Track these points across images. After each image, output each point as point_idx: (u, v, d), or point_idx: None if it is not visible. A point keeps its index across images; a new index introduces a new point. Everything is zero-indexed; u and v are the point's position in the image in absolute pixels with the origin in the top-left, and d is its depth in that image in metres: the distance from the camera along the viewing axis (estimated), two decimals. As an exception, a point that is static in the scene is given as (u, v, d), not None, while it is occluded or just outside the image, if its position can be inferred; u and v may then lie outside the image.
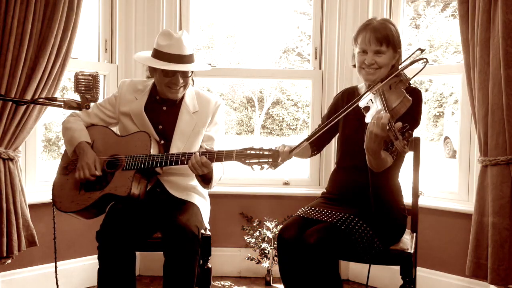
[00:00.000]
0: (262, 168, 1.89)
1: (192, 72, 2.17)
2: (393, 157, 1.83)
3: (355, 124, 1.99)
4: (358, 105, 1.85)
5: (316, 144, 2.18)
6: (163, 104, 2.22)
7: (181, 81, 2.10)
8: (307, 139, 1.92)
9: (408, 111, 1.72)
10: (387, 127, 1.57)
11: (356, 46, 1.99)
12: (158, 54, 2.10)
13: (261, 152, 1.89)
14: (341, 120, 2.10)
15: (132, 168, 2.02)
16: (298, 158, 2.15)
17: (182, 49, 2.08)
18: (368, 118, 1.75)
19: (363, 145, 1.84)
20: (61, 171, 2.19)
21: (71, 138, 2.14)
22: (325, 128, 1.88)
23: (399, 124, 1.57)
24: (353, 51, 2.04)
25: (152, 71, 2.17)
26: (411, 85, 1.92)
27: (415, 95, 1.85)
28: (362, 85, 2.15)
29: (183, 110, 2.20)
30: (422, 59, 1.79)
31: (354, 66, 2.05)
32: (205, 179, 2.07)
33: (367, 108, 1.79)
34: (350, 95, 2.15)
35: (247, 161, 1.89)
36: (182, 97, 2.23)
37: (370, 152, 1.71)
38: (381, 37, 1.91)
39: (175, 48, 2.08)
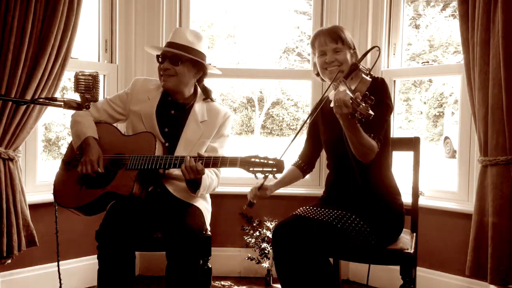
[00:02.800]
0: (265, 177, 1.91)
1: (181, 62, 2.15)
2: (378, 143, 1.90)
3: (334, 125, 2.00)
4: (331, 106, 1.89)
5: (306, 162, 2.31)
6: (172, 107, 2.23)
7: (168, 67, 2.14)
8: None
9: (377, 95, 1.79)
10: (349, 100, 1.66)
11: (315, 52, 2.13)
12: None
13: (265, 161, 1.89)
14: (321, 126, 2.20)
15: (135, 168, 2.02)
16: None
17: (179, 38, 2.18)
18: (332, 103, 1.83)
19: (343, 142, 1.91)
20: (64, 166, 2.19)
21: (79, 132, 2.15)
22: (289, 145, 1.97)
23: (358, 94, 1.67)
24: (313, 60, 2.18)
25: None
26: (372, 75, 1.97)
27: (379, 81, 2.00)
28: (332, 93, 2.19)
29: (191, 118, 2.21)
30: (374, 47, 1.98)
31: (317, 74, 2.18)
32: (193, 184, 2.07)
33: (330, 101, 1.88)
34: (323, 105, 2.20)
35: (251, 169, 1.90)
36: (192, 105, 2.24)
37: (347, 128, 1.78)
38: (335, 36, 2.06)
39: (174, 37, 2.19)
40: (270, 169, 1.88)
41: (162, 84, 2.18)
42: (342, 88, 1.77)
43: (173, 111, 2.22)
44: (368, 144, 1.85)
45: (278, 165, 1.88)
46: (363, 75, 1.83)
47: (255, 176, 1.90)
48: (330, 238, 1.87)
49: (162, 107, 2.22)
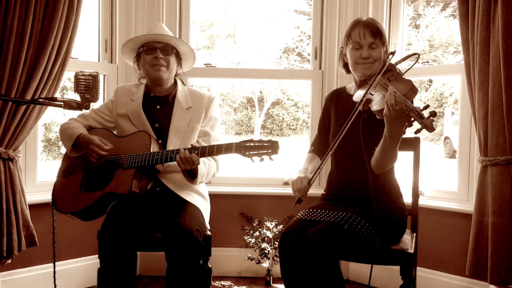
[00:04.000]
0: (262, 159, 1.90)
1: (175, 53, 2.23)
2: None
3: (345, 121, 1.95)
4: (352, 100, 1.87)
5: (322, 152, 2.22)
6: (157, 102, 2.26)
7: (161, 56, 2.18)
8: (322, 161, 1.92)
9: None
10: (405, 108, 1.61)
11: (348, 43, 2.01)
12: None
13: (260, 144, 1.90)
14: (332, 117, 2.13)
15: (132, 167, 2.02)
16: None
17: (162, 30, 2.24)
18: (376, 105, 1.78)
19: (356, 140, 1.86)
20: (61, 173, 2.21)
21: (70, 134, 2.16)
22: (337, 143, 1.88)
23: (418, 107, 1.62)
24: (343, 51, 2.08)
25: (138, 60, 2.28)
26: None
27: None
28: (351, 85, 2.18)
29: (177, 107, 2.24)
30: (415, 54, 1.89)
31: (344, 66, 2.10)
32: (191, 174, 2.08)
33: (368, 101, 1.83)
34: (338, 96, 2.19)
35: (247, 153, 1.90)
36: (175, 95, 2.27)
37: (393, 137, 1.73)
38: (375, 30, 1.97)
39: (155, 29, 2.24)
40: (266, 151, 1.88)
41: (154, 74, 2.19)
42: (384, 91, 1.74)
43: (158, 106, 2.25)
44: (396, 155, 1.84)
45: (273, 146, 1.89)
46: (413, 83, 1.78)
47: (251, 160, 1.90)
48: (338, 239, 1.84)
49: (147, 105, 2.25)
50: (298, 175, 1.99)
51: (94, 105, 2.01)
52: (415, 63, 1.93)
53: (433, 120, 1.60)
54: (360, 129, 1.92)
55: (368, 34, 1.95)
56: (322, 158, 2.19)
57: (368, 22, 1.98)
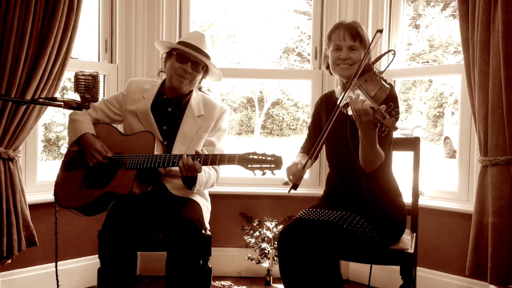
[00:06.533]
0: (264, 173, 1.90)
1: (204, 69, 2.24)
2: (385, 149, 1.90)
3: (336, 124, 1.95)
4: (339, 105, 1.87)
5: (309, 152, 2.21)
6: (168, 105, 2.24)
7: (190, 71, 2.16)
8: (309, 158, 1.92)
9: (387, 104, 1.75)
10: (371, 110, 1.64)
11: (330, 44, 2.05)
12: (179, 43, 2.22)
13: (263, 158, 1.90)
14: (323, 122, 2.18)
15: (134, 168, 2.02)
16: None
17: (202, 44, 2.20)
18: (351, 111, 1.80)
19: (347, 142, 1.89)
20: (64, 167, 2.20)
21: (76, 128, 2.17)
22: (322, 140, 1.89)
23: (383, 106, 1.65)
24: (325, 52, 2.11)
25: (167, 57, 2.25)
26: (386, 81, 1.93)
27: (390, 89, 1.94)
28: (338, 89, 2.21)
29: (188, 113, 2.22)
30: (390, 51, 1.93)
31: (327, 67, 2.12)
32: (188, 181, 2.08)
33: (347, 105, 1.84)
34: (328, 100, 2.22)
35: (249, 166, 1.90)
36: (188, 101, 2.25)
37: (367, 138, 1.76)
38: (354, 34, 1.99)
39: (196, 40, 2.20)
40: (269, 166, 1.88)
41: (176, 83, 2.18)
42: (361, 95, 1.74)
43: (170, 108, 2.24)
44: (379, 153, 1.85)
45: (276, 161, 1.89)
46: (382, 82, 1.78)
47: (253, 173, 1.90)
48: (336, 238, 1.85)
49: (158, 105, 2.24)
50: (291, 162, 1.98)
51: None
52: (391, 61, 1.93)
53: (395, 120, 1.60)
54: (348, 132, 1.93)
55: (348, 37, 1.98)
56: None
57: (349, 25, 2.02)
